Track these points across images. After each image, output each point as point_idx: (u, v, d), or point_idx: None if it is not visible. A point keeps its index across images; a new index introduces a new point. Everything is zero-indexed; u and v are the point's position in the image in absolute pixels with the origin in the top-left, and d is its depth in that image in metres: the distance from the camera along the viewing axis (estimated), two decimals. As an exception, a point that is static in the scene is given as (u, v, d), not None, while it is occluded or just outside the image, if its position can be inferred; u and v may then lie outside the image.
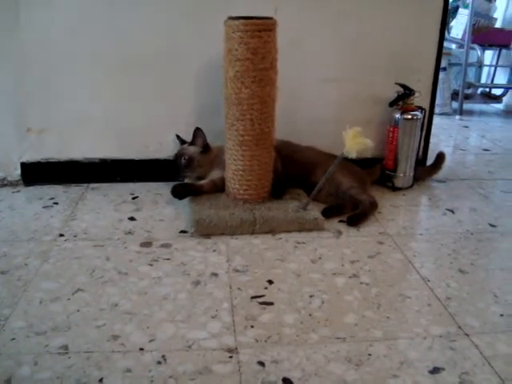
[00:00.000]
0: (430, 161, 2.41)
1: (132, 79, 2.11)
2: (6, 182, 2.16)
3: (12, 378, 1.11)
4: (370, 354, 1.20)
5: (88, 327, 1.27)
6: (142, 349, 1.20)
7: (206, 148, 2.04)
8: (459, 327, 1.31)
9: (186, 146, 2.07)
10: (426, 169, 2.36)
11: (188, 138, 2.08)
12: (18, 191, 2.13)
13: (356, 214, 1.87)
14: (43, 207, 1.96)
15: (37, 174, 2.16)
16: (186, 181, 2.03)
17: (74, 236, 1.74)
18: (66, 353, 1.19)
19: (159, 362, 1.16)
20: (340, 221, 1.88)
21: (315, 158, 2.04)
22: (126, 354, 1.19)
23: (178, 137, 2.14)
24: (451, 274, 1.56)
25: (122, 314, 1.33)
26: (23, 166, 2.15)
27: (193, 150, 2.04)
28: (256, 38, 1.71)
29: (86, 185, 2.18)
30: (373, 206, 1.94)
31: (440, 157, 2.34)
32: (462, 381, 1.13)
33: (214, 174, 1.99)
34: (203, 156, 2.03)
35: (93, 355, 1.18)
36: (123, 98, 2.13)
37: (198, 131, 2.04)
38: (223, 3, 2.00)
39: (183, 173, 2.03)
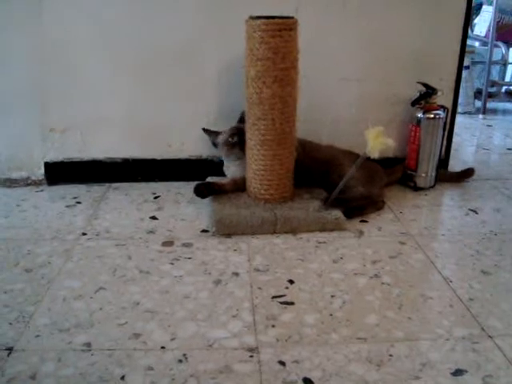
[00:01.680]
0: (452, 160, 2.39)
1: (154, 78, 2.12)
2: (29, 182, 2.19)
3: (37, 374, 1.12)
4: (391, 355, 1.20)
5: (110, 325, 1.29)
6: (163, 347, 1.21)
7: None
8: (482, 329, 1.29)
9: (237, 125, 2.04)
10: (450, 174, 2.33)
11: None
12: (42, 190, 2.16)
13: (352, 207, 1.88)
14: (66, 206, 1.99)
15: (60, 173, 2.19)
16: (208, 179, 2.04)
17: (97, 235, 1.76)
18: (89, 350, 1.20)
19: (180, 361, 1.17)
20: (361, 221, 1.87)
21: (336, 155, 2.03)
22: (148, 352, 1.20)
23: (205, 130, 2.11)
24: (474, 275, 1.54)
25: (143, 313, 1.34)
26: (46, 165, 2.18)
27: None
28: (277, 38, 1.71)
29: (108, 184, 2.20)
30: (366, 200, 1.93)
31: (468, 171, 2.30)
32: (486, 383, 1.12)
33: (237, 173, 1.99)
34: None
35: (115, 353, 1.19)
36: (145, 97, 2.15)
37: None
38: (245, 3, 2.00)
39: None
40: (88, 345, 1.22)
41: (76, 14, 2.02)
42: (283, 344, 1.23)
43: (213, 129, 2.09)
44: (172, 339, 1.24)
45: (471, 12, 2.26)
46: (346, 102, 2.22)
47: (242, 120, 2.02)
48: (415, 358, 1.18)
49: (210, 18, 2.06)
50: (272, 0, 2.01)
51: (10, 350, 1.19)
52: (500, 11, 3.67)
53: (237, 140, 1.98)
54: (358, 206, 1.89)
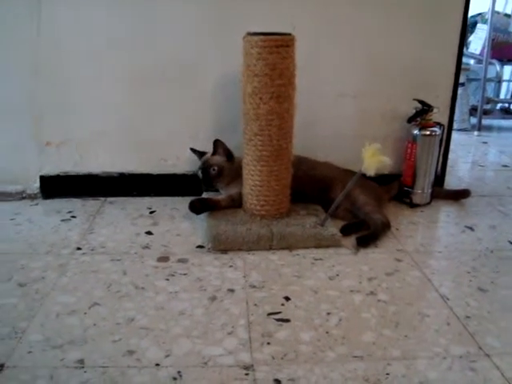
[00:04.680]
0: (448, 177, 2.40)
1: (150, 93, 2.12)
2: (25, 195, 2.18)
3: (28, 392, 1.11)
4: (387, 374, 1.19)
5: (104, 342, 1.27)
6: (157, 364, 1.20)
7: (229, 156, 2.04)
8: (479, 347, 1.28)
9: (209, 156, 2.06)
10: (445, 192, 2.33)
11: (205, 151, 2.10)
12: (37, 204, 2.14)
13: (367, 235, 1.84)
14: (61, 220, 1.98)
15: (55, 187, 2.18)
16: (204, 195, 2.04)
17: (92, 250, 1.75)
18: (82, 367, 1.19)
19: (175, 378, 1.16)
20: (357, 237, 1.86)
21: (333, 174, 2.03)
22: (142, 369, 1.18)
23: (193, 150, 2.13)
24: (471, 293, 1.54)
25: (138, 329, 1.32)
26: (42, 179, 2.18)
27: (219, 159, 2.02)
28: (274, 54, 1.72)
29: (103, 198, 2.20)
30: (385, 227, 1.89)
31: (464, 192, 2.29)
32: (483, 403, 1.11)
33: (232, 189, 1.99)
34: (229, 164, 2.02)
35: (108, 370, 1.18)
36: (141, 111, 2.15)
37: (218, 142, 2.02)
38: (242, 19, 2.02)
39: (214, 183, 2.01)
40: (81, 362, 1.20)
41: (73, 27, 2.03)
42: (279, 362, 1.22)
43: (210, 144, 2.07)
44: (167, 356, 1.23)
45: (466, 30, 2.28)
46: (343, 117, 2.22)
47: (216, 149, 2.04)
48: (412, 377, 1.17)
49: (208, 33, 2.07)
50: (269, 16, 2.03)
51: (1, 366, 1.18)
52: (494, 29, 3.71)
53: (201, 174, 2.02)
54: (372, 233, 1.86)
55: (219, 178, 2.00)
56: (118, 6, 2.02)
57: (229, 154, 2.04)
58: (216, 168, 1.99)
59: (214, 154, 2.04)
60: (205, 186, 2.05)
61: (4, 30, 2.00)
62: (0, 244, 1.78)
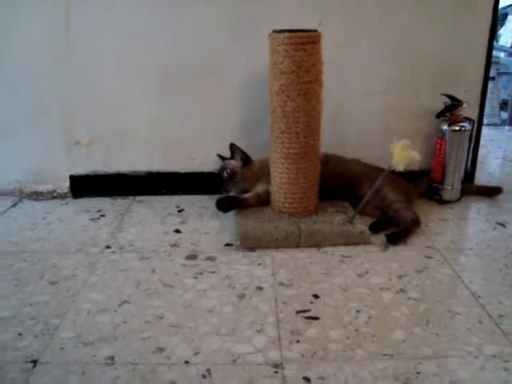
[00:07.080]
0: (478, 173, 2.36)
1: (178, 92, 2.14)
2: (55, 195, 2.22)
3: (61, 388, 1.13)
4: (418, 373, 1.17)
5: (134, 339, 1.29)
6: (187, 362, 1.20)
7: (246, 160, 2.06)
8: (513, 346, 1.26)
9: (227, 160, 2.10)
10: (476, 188, 2.29)
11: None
12: (67, 203, 2.18)
13: (396, 232, 1.82)
14: (91, 219, 2.00)
15: (85, 186, 2.21)
16: (231, 194, 2.04)
17: (121, 248, 1.76)
18: (113, 364, 1.20)
19: (204, 376, 1.16)
20: (386, 234, 1.84)
21: (361, 170, 2.02)
22: (171, 366, 1.19)
23: (219, 156, 2.16)
24: (503, 291, 1.50)
25: (167, 327, 1.33)
26: (72, 178, 2.21)
27: (234, 163, 2.06)
28: (301, 51, 1.71)
29: (132, 197, 2.22)
30: (415, 224, 1.87)
31: (496, 189, 2.24)
32: (517, 403, 1.09)
33: (259, 187, 1.99)
34: (245, 169, 2.04)
35: (138, 367, 1.19)
36: (169, 110, 2.16)
37: (233, 146, 2.07)
38: (268, 16, 2.02)
39: (226, 186, 2.05)
40: (111, 358, 1.21)
41: (101, 28, 2.05)
42: (308, 360, 1.21)
43: (237, 142, 2.08)
44: (196, 354, 1.23)
45: (496, 22, 2.23)
46: (371, 114, 2.20)
47: (232, 154, 2.08)
48: (444, 376, 1.16)
49: (234, 32, 2.08)
50: (295, 13, 2.02)
51: (34, 362, 1.20)
52: (526, 21, 3.64)
53: (223, 176, 2.05)
54: (402, 231, 1.84)
55: (231, 181, 2.04)
56: (146, 7, 2.04)
57: (245, 159, 2.06)
58: (228, 171, 2.03)
59: (230, 158, 2.09)
60: (218, 188, 2.06)
61: (34, 32, 2.04)
62: (32, 243, 1.81)
